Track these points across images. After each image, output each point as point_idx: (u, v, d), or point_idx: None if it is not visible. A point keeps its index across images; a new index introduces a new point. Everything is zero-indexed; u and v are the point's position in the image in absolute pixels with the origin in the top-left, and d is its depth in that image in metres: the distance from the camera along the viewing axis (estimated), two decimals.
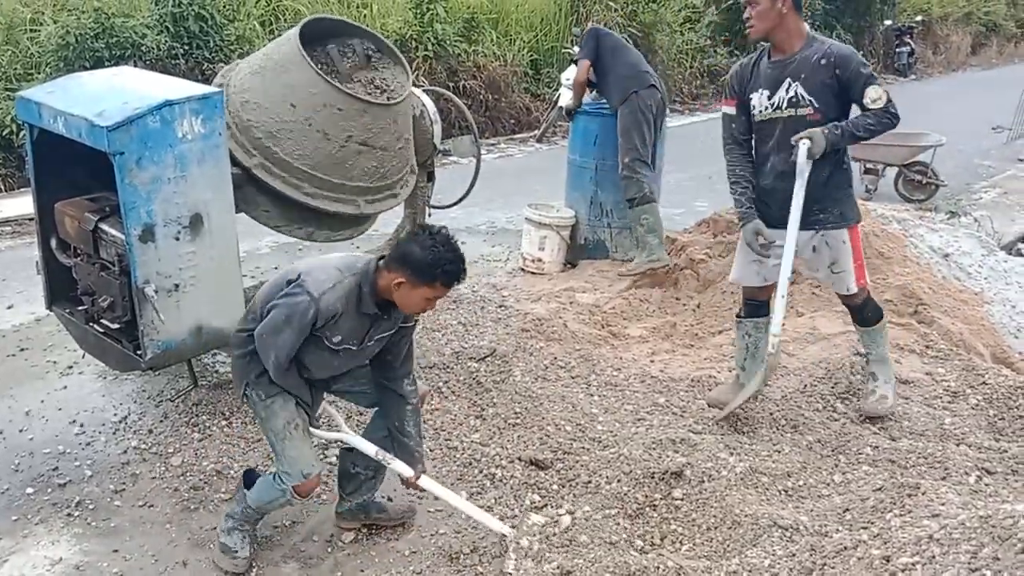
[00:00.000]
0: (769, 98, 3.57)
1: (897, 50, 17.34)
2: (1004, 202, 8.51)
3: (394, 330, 2.96)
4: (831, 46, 3.52)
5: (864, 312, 3.81)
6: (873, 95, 3.43)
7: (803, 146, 3.43)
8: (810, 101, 3.50)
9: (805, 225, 3.58)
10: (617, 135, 5.61)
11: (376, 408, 3.23)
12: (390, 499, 3.42)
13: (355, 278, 2.81)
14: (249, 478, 3.16)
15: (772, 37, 3.56)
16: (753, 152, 3.74)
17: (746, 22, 3.56)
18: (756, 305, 3.90)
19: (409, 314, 2.94)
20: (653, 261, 5.51)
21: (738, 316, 3.97)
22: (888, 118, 3.46)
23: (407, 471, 3.06)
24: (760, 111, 3.61)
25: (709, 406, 3.98)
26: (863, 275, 3.74)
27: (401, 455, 3.09)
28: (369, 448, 3.08)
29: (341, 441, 3.18)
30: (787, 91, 3.52)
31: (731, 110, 3.71)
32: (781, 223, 3.58)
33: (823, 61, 3.47)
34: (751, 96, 3.62)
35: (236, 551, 3.11)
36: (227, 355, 4.41)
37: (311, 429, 3.03)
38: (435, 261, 2.71)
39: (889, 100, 3.45)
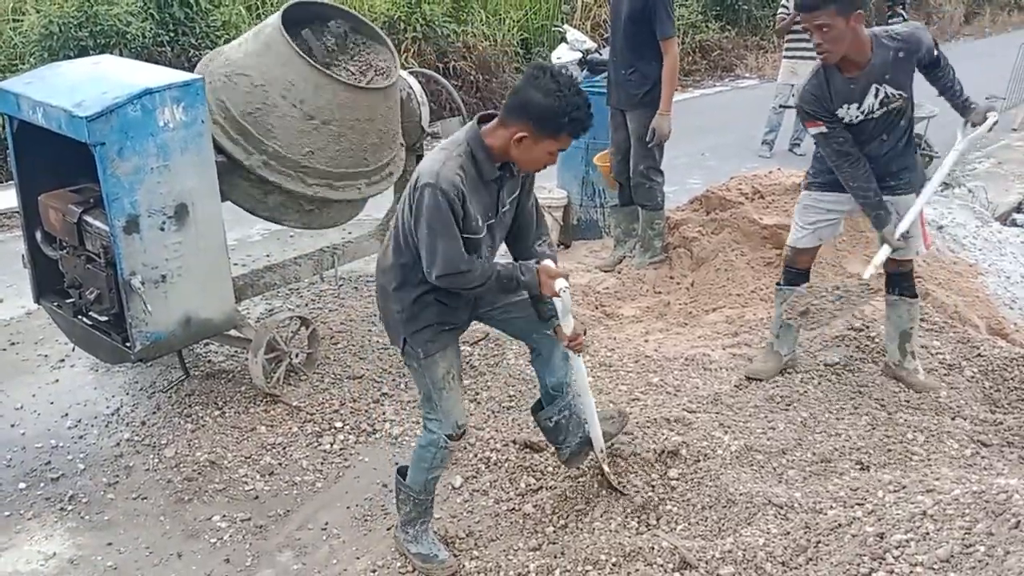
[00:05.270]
0: (858, 107, 3.45)
1: (890, 20, 17.16)
2: (998, 172, 8.46)
3: (519, 188, 2.74)
4: (895, 35, 3.45)
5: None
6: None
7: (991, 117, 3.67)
8: (899, 94, 3.45)
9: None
10: (630, 135, 5.23)
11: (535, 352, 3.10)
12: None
13: (463, 147, 2.57)
14: (402, 473, 3.03)
15: (846, 55, 3.35)
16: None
17: (817, 47, 3.34)
18: (796, 273, 3.88)
19: (528, 171, 2.69)
20: (655, 262, 5.48)
21: (778, 284, 3.95)
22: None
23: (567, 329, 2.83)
24: (852, 119, 3.49)
25: (748, 379, 3.95)
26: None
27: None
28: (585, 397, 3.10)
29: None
30: (875, 96, 3.43)
31: (825, 129, 3.52)
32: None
33: (900, 54, 3.41)
34: (838, 112, 3.48)
35: (435, 555, 2.99)
36: (218, 345, 4.39)
37: None
38: (562, 109, 2.42)
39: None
